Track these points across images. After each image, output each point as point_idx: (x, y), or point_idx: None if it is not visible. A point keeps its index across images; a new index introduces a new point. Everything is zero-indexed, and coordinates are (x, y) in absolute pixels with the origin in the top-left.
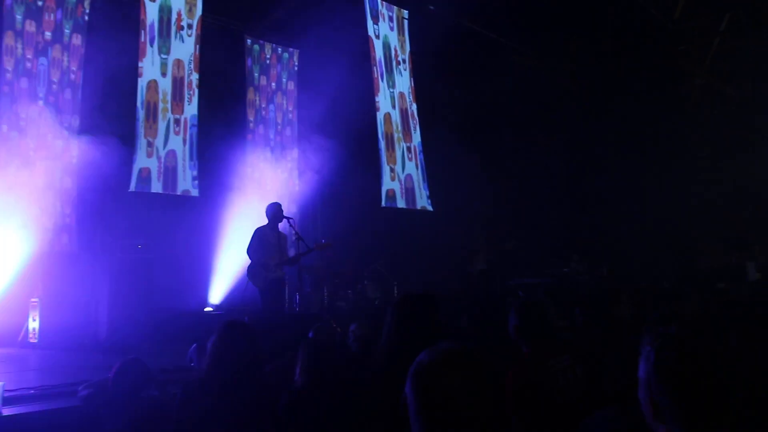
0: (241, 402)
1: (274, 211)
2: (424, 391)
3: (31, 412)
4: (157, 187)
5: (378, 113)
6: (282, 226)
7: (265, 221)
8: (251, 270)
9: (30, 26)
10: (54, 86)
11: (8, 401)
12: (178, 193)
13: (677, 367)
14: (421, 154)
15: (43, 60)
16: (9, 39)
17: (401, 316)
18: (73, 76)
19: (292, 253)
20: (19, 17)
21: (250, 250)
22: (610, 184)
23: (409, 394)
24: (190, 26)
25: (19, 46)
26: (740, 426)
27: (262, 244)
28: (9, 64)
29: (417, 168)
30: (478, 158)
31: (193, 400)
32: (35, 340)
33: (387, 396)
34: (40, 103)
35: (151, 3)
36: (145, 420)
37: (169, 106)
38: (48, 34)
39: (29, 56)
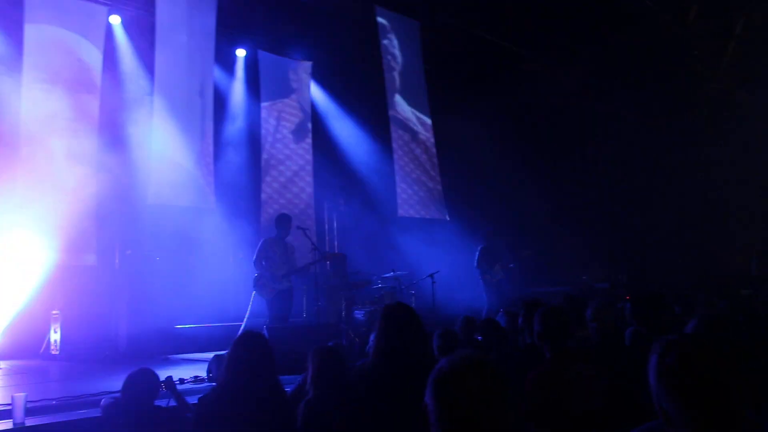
0: (256, 411)
1: (282, 222)
2: (444, 398)
3: (54, 422)
4: (174, 200)
5: (392, 124)
6: (293, 237)
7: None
8: (258, 281)
9: None
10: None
11: (31, 412)
12: (196, 205)
13: (677, 371)
14: (437, 164)
15: None
16: None
17: (386, 325)
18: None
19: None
20: None
21: (256, 262)
22: (626, 190)
23: (429, 402)
24: None
25: None
26: (743, 428)
27: (267, 255)
28: None
29: (433, 178)
30: (494, 167)
31: (209, 410)
32: (57, 352)
33: (387, 403)
34: None
35: None
36: (162, 430)
37: None
38: None
39: None
